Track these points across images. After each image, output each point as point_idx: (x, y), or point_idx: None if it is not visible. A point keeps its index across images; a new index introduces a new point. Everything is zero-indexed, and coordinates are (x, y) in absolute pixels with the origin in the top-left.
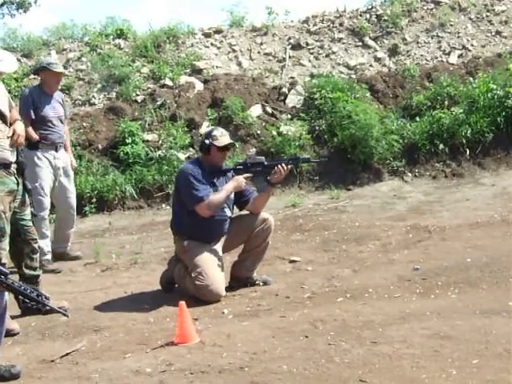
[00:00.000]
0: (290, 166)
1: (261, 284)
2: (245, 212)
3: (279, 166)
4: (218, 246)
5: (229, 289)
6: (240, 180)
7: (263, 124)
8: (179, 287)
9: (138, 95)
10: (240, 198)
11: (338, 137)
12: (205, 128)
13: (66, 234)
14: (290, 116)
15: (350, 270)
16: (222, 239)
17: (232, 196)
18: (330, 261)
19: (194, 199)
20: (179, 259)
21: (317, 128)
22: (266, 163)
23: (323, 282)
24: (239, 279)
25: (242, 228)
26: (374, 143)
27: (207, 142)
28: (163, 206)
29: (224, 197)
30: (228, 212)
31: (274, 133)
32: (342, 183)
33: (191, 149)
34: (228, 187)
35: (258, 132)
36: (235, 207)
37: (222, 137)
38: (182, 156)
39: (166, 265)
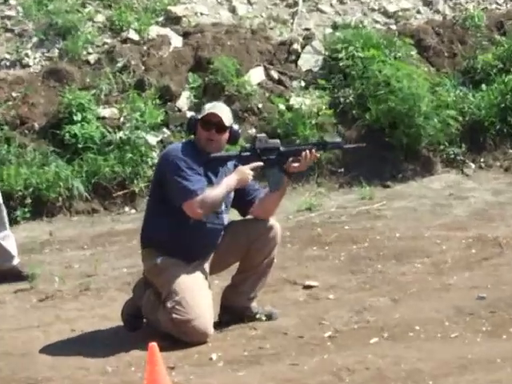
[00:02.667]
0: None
1: (263, 318)
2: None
3: (304, 151)
4: (205, 265)
5: (219, 325)
6: (245, 172)
7: (266, 95)
8: (149, 323)
9: (89, 54)
10: (242, 198)
11: (371, 112)
12: (184, 100)
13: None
14: (303, 83)
15: (388, 298)
16: (212, 256)
17: (231, 195)
18: (360, 286)
19: (182, 193)
20: (149, 283)
21: (341, 100)
22: (282, 149)
23: (350, 315)
24: (233, 311)
25: (238, 239)
26: (422, 121)
27: (193, 116)
28: (126, 209)
29: (223, 193)
30: (225, 218)
31: (282, 107)
32: (378, 177)
33: (165, 129)
34: (229, 181)
35: (260, 106)
36: (234, 211)
37: (211, 109)
38: (152, 139)
39: (129, 292)
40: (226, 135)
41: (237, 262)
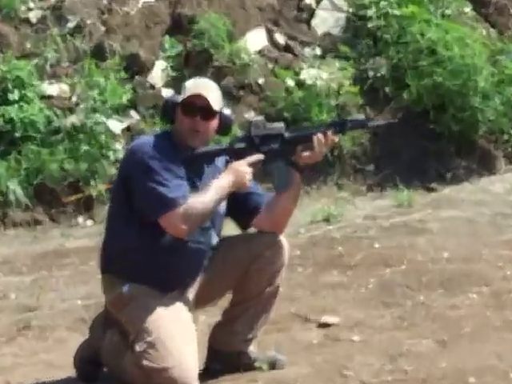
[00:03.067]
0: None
1: (265, 367)
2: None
3: (316, 135)
4: (188, 295)
5: (205, 375)
6: (241, 169)
7: (269, 66)
8: (111, 371)
9: (30, 10)
10: (242, 206)
11: (409, 90)
12: (158, 73)
13: None
14: (319, 51)
15: (433, 340)
16: (196, 284)
17: (222, 204)
18: (396, 323)
19: (158, 203)
20: (112, 320)
21: (370, 74)
22: (287, 135)
23: (382, 363)
24: (225, 357)
25: (231, 260)
26: (479, 102)
27: (170, 98)
28: (80, 220)
29: (213, 201)
30: (213, 236)
31: (290, 83)
32: (419, 177)
33: (133, 113)
34: (221, 183)
35: (260, 82)
36: (230, 223)
37: (195, 88)
38: (115, 126)
39: (85, 331)
40: (215, 123)
41: (230, 291)
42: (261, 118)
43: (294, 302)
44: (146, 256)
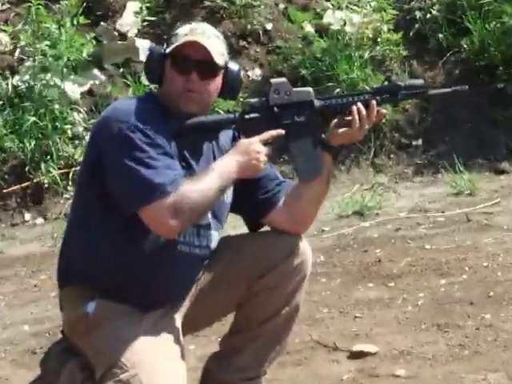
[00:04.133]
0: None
1: None
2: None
3: (357, 105)
4: (175, 317)
5: None
6: (254, 148)
7: (281, 7)
8: None
9: None
10: (253, 197)
11: (470, 38)
12: (130, 17)
13: None
14: None
15: (505, 374)
16: (187, 301)
17: (228, 194)
18: (454, 352)
19: (139, 190)
20: (73, 350)
21: (418, 15)
22: (317, 103)
23: None
24: None
25: (233, 270)
26: None
27: (154, 49)
28: (27, 216)
29: (214, 189)
30: (213, 236)
31: (309, 29)
32: (484, 156)
33: (97, 72)
34: (225, 166)
35: (269, 27)
36: (239, 220)
37: (190, 33)
38: (73, 89)
39: (35, 366)
40: (218, 82)
41: (231, 312)
42: (283, 79)
43: (317, 324)
44: (121, 264)
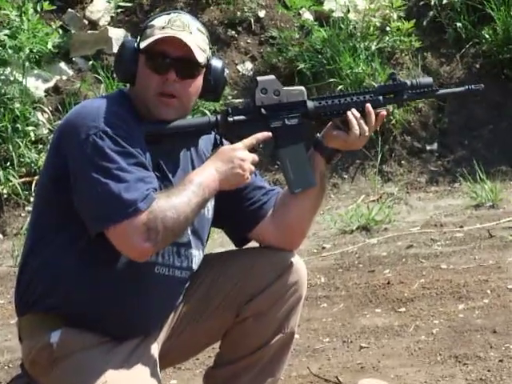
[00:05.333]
0: (382, 110)
1: None
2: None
3: (355, 108)
4: (152, 347)
5: None
6: (238, 155)
7: None
8: None
9: None
10: (236, 209)
11: (493, 27)
12: (102, 3)
13: None
14: None
15: None
16: (165, 330)
17: (210, 206)
18: None
19: (108, 207)
20: None
21: (433, 1)
22: (310, 104)
23: None
24: None
25: (216, 293)
26: None
27: (127, 42)
28: None
29: (193, 204)
30: (195, 256)
31: (308, 16)
32: (509, 163)
33: (64, 66)
34: (204, 177)
35: (261, 15)
36: (217, 236)
37: (167, 26)
38: (36, 85)
39: None
40: (199, 82)
41: (217, 342)
42: (271, 77)
43: (317, 356)
44: (90, 288)
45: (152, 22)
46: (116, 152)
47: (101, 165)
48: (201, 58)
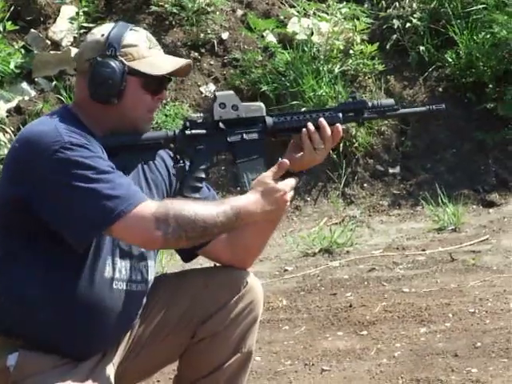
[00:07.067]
0: (341, 126)
1: None
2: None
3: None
4: (108, 368)
5: None
6: (281, 195)
7: (238, 13)
8: None
9: None
10: None
11: (456, 50)
12: (64, 22)
13: None
14: None
15: None
16: (121, 349)
17: None
18: None
19: (110, 206)
20: None
21: (396, 24)
22: (269, 120)
23: None
24: None
25: (171, 314)
26: None
27: (114, 62)
28: None
29: (219, 221)
30: (151, 268)
31: (271, 38)
32: (470, 186)
33: (26, 85)
34: (244, 208)
35: (225, 37)
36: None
37: (154, 48)
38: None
39: None
40: None
41: (173, 362)
42: (229, 92)
43: (279, 379)
44: (48, 311)
45: (130, 41)
46: (89, 158)
47: (80, 174)
48: None
